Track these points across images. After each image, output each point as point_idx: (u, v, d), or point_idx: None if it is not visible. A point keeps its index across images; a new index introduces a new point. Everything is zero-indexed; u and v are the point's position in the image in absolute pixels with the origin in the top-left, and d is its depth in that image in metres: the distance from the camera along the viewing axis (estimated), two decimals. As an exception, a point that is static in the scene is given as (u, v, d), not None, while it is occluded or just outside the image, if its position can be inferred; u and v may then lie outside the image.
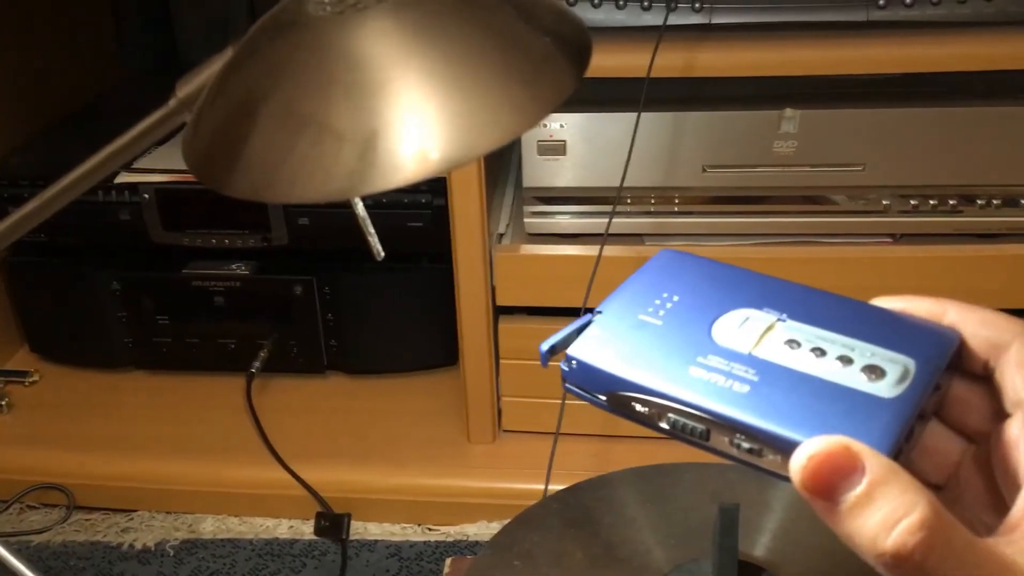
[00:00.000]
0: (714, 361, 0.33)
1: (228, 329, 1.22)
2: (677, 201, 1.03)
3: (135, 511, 1.12)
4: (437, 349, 1.23)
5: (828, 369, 0.32)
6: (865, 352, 0.33)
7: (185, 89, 0.35)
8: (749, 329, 0.34)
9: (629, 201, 1.03)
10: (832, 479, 0.27)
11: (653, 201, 1.03)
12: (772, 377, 0.32)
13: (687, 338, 0.34)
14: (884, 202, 1.01)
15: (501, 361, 1.10)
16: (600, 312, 0.36)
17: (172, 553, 1.06)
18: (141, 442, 1.15)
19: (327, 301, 1.21)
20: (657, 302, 0.36)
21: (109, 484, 1.12)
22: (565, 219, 1.05)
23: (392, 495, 1.10)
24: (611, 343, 0.34)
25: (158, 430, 1.17)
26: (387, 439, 1.15)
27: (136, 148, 0.37)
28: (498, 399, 1.13)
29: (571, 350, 0.34)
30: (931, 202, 1.01)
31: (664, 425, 0.33)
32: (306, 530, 1.09)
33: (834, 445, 0.28)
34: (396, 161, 0.31)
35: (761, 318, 0.34)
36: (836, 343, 0.33)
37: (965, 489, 0.35)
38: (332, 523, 1.09)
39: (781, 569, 0.56)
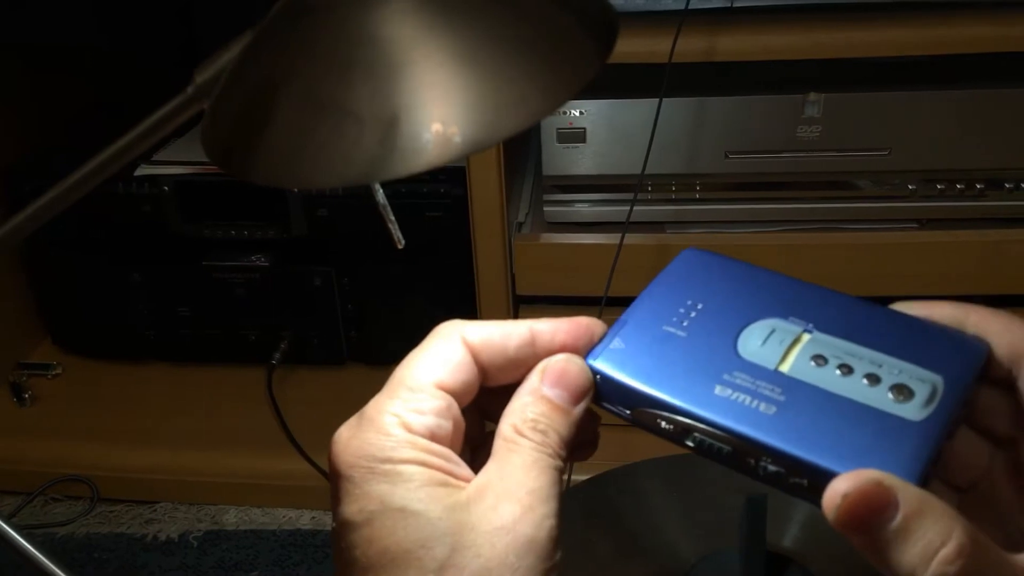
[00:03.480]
0: (740, 378, 0.32)
1: (248, 320, 1.22)
2: (699, 188, 1.02)
3: (158, 502, 1.12)
4: (457, 339, 1.22)
5: (855, 388, 0.31)
6: (893, 370, 0.32)
7: (203, 75, 0.34)
8: (775, 343, 0.33)
9: (650, 189, 1.02)
10: (867, 516, 0.27)
11: (674, 188, 1.02)
12: (799, 397, 0.31)
13: (712, 352, 0.33)
14: (910, 187, 0.99)
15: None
16: (625, 323, 0.35)
17: (195, 544, 1.06)
18: (163, 434, 1.16)
19: (347, 292, 1.20)
20: (682, 311, 0.35)
21: (132, 476, 1.12)
22: (585, 207, 1.04)
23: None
24: (636, 357, 0.34)
25: (180, 422, 1.18)
26: (408, 430, 1.15)
27: (153, 137, 0.36)
28: (519, 389, 1.13)
29: (596, 364, 0.34)
30: (958, 186, 0.99)
31: (689, 443, 0.32)
32: (328, 521, 1.09)
33: (867, 482, 0.27)
34: (418, 145, 0.31)
35: (787, 330, 0.34)
36: (864, 359, 0.32)
37: (996, 493, 0.35)
38: (354, 514, 1.08)
39: (809, 560, 0.56)
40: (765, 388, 0.32)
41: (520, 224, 1.08)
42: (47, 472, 1.13)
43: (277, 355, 1.20)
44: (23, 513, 1.11)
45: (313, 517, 1.10)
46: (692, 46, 0.91)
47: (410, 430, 0.30)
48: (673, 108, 0.96)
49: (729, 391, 0.32)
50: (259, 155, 0.32)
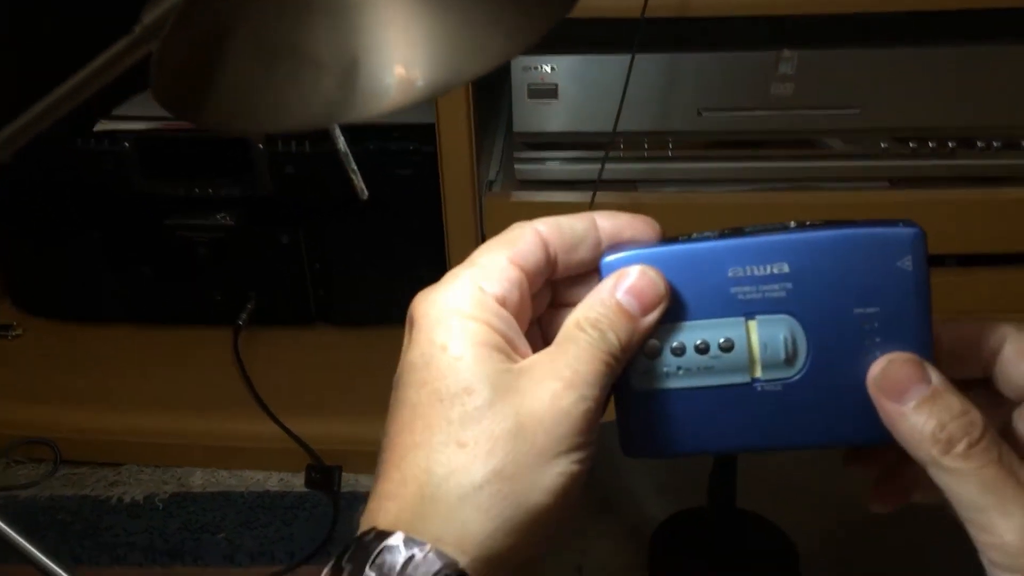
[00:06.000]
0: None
1: (214, 281, 1.20)
2: (672, 146, 1.01)
3: (122, 464, 1.11)
4: (427, 299, 1.21)
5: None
6: None
7: (151, 14, 0.32)
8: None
9: (622, 146, 1.01)
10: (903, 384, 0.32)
11: (647, 146, 1.01)
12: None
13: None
14: (882, 145, 0.99)
15: (492, 311, 1.08)
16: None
17: (161, 507, 1.05)
18: (128, 395, 1.14)
19: (314, 251, 1.18)
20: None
21: (96, 438, 1.10)
22: (556, 165, 1.03)
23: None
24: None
25: (145, 383, 1.16)
26: (377, 391, 1.13)
27: (99, 82, 0.34)
28: (489, 349, 1.12)
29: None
30: (929, 145, 0.99)
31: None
32: (297, 483, 1.08)
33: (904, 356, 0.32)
34: (379, 88, 0.29)
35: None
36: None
37: None
38: (323, 475, 1.08)
39: (779, 516, 0.56)
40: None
41: (491, 182, 1.07)
42: (8, 434, 1.11)
43: (243, 316, 1.18)
44: (-16, 476, 1.09)
45: (281, 479, 1.09)
46: (665, 0, 0.89)
47: (482, 292, 0.33)
48: (646, 64, 0.95)
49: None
50: (211, 99, 0.30)
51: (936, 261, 1.05)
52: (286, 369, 1.17)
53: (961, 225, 0.99)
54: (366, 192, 0.41)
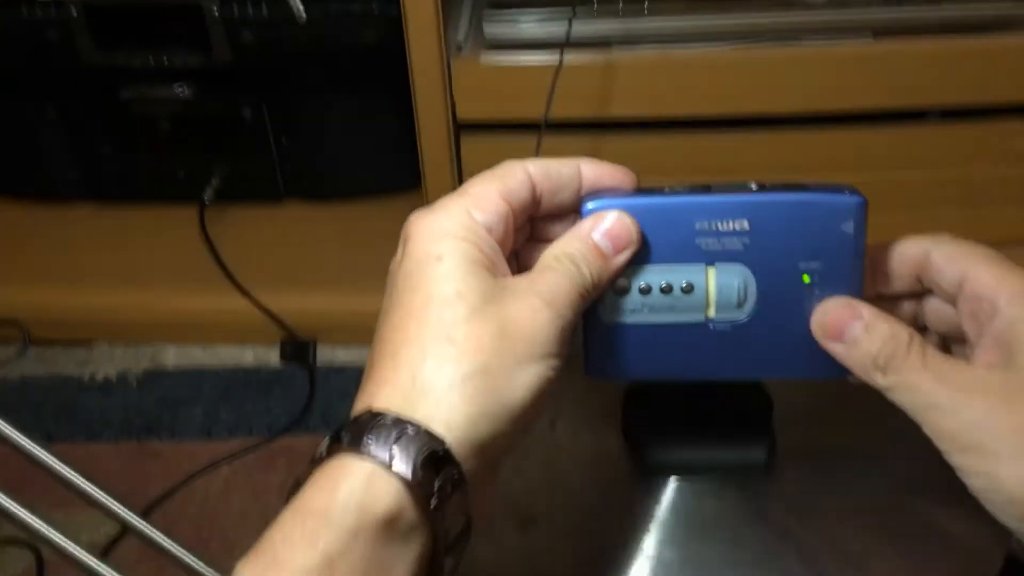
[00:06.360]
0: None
1: (175, 156, 1.16)
2: (647, 1, 0.96)
3: (93, 341, 1.09)
4: (398, 171, 1.18)
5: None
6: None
7: None
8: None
9: (595, 3, 0.96)
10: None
11: (621, 2, 0.96)
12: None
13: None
14: (865, -7, 0.95)
15: (465, 180, 1.05)
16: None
17: (136, 384, 1.04)
18: (95, 273, 1.11)
19: (279, 124, 1.14)
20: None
21: (65, 316, 1.09)
22: (528, 24, 0.98)
23: (357, 319, 1.07)
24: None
25: (112, 261, 1.13)
26: (349, 264, 1.11)
27: None
28: (462, 220, 1.09)
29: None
30: (915, -8, 0.95)
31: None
32: (272, 358, 1.08)
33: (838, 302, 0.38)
34: None
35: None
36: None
37: None
38: (297, 349, 1.07)
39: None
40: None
41: (460, 45, 1.02)
42: (-27, 316, 1.09)
43: (208, 192, 1.14)
44: (-47, 359, 1.08)
45: (256, 354, 1.08)
46: None
47: (472, 219, 0.36)
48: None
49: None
50: None
51: (917, 115, 1.03)
52: (256, 245, 1.15)
53: (945, 76, 0.96)
54: (303, 14, 0.38)
